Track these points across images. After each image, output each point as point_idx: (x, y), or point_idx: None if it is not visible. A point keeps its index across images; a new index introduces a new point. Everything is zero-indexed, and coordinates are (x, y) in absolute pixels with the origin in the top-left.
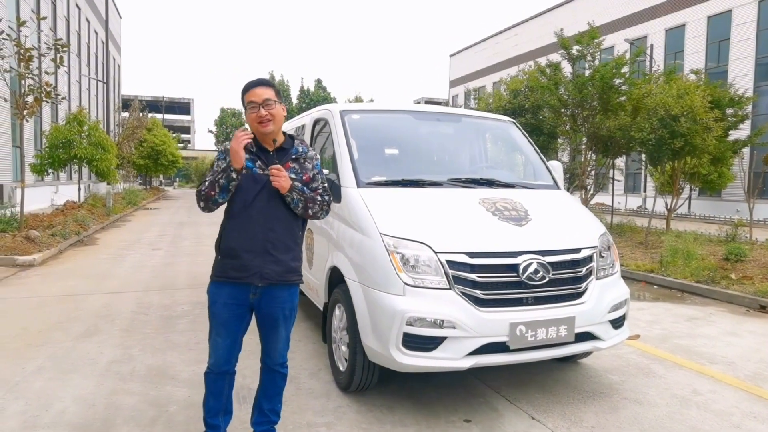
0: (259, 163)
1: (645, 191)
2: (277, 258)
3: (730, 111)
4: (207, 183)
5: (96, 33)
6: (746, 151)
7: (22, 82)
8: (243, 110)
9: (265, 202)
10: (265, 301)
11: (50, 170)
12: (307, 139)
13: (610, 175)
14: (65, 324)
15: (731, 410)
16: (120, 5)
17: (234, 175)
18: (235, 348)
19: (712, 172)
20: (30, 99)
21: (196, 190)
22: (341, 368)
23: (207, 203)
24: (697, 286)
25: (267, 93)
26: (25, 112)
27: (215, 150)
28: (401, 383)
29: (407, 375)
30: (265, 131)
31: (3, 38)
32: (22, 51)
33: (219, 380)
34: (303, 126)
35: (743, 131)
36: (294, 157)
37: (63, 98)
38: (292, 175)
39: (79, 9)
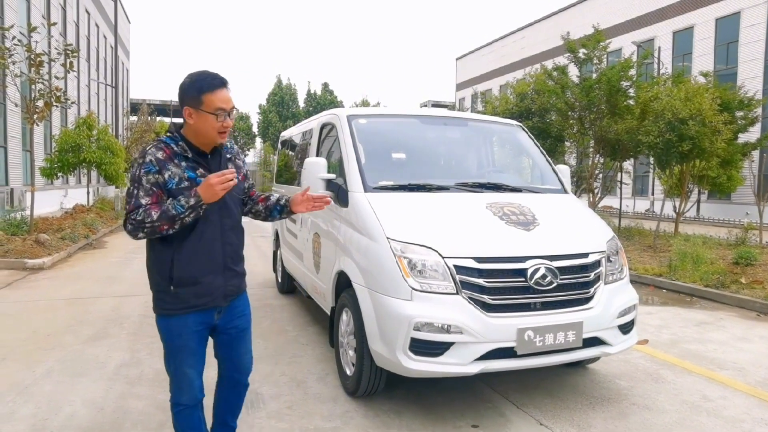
0: (200, 171)
1: (653, 194)
2: (236, 271)
3: (739, 114)
4: (158, 216)
5: (105, 38)
6: (756, 153)
7: (33, 86)
8: (193, 108)
9: (217, 214)
10: (228, 317)
11: (60, 174)
12: (314, 143)
13: (618, 178)
14: (74, 327)
15: (742, 417)
16: (128, 10)
17: (201, 213)
18: (203, 370)
19: (721, 174)
20: (40, 103)
21: (130, 216)
22: (348, 373)
23: (151, 235)
24: (706, 291)
25: (231, 97)
26: (35, 116)
27: None
28: (409, 388)
29: (415, 380)
30: (221, 142)
31: (14, 44)
32: (32, 56)
33: (196, 411)
34: (310, 130)
35: (753, 134)
36: (228, 157)
37: (72, 103)
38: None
39: (88, 14)
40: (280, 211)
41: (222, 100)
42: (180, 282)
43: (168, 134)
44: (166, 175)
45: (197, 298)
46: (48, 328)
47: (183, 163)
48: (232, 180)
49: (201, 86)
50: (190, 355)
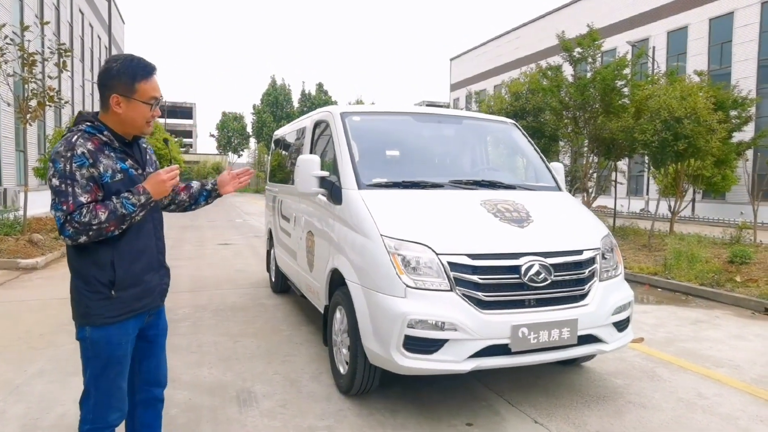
0: (130, 162)
1: (648, 194)
2: (167, 268)
3: (733, 113)
4: (107, 217)
5: (99, 38)
6: (750, 153)
7: (26, 86)
8: (123, 97)
9: (149, 208)
10: (153, 323)
11: None
12: (307, 141)
13: (612, 177)
14: (68, 327)
15: (737, 414)
16: (123, 10)
17: (149, 209)
18: None
19: (715, 174)
20: (33, 103)
21: (72, 218)
22: (342, 371)
23: (95, 238)
24: (701, 289)
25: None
26: (28, 116)
27: (217, 154)
28: (403, 386)
29: (409, 378)
30: (147, 132)
31: (7, 43)
32: (25, 55)
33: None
34: (304, 128)
35: (747, 133)
36: (144, 146)
37: (66, 102)
38: (151, 170)
39: (82, 14)
40: (206, 196)
41: (155, 88)
42: (122, 285)
43: (87, 123)
44: (101, 168)
45: (139, 301)
46: (41, 328)
47: (112, 154)
48: (178, 172)
49: (135, 73)
50: (126, 366)
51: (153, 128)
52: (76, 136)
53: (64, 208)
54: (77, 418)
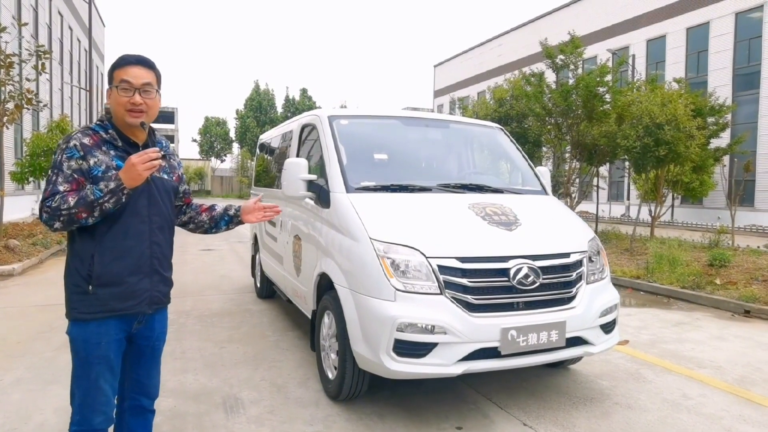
0: None
1: (628, 199)
2: (164, 277)
3: (711, 119)
4: (75, 203)
5: (79, 41)
6: (726, 159)
7: (2, 88)
8: (108, 88)
9: (146, 209)
10: (146, 331)
11: (31, 179)
12: (294, 145)
13: (594, 183)
14: (47, 334)
15: (721, 413)
16: (103, 13)
17: (124, 199)
18: (117, 389)
19: (694, 180)
20: (10, 106)
21: (45, 203)
22: (330, 376)
23: (69, 225)
24: (683, 292)
25: (147, 76)
26: (5, 119)
27: (199, 159)
28: (392, 390)
29: (398, 382)
30: (133, 123)
31: None
32: (2, 57)
33: None
34: (290, 132)
35: (723, 140)
36: (163, 154)
37: (44, 105)
38: (165, 176)
39: (61, 16)
40: (228, 221)
41: (129, 74)
42: (100, 281)
43: (98, 122)
44: (92, 162)
45: (120, 302)
46: (18, 335)
47: (112, 152)
48: (156, 159)
49: (114, 65)
50: (108, 368)
51: (137, 119)
52: (77, 132)
53: (43, 195)
54: (57, 427)
